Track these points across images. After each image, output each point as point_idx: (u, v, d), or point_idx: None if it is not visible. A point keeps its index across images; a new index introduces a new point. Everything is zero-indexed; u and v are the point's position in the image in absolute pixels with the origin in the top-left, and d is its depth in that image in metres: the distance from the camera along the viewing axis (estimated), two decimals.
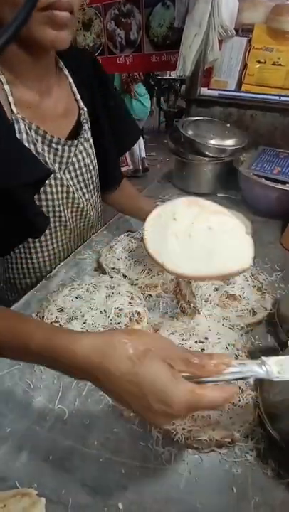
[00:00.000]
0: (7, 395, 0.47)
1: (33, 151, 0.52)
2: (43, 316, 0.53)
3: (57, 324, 0.51)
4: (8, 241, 0.60)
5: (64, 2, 0.40)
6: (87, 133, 0.63)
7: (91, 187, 0.70)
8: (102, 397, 0.47)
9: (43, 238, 0.66)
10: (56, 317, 0.53)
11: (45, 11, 0.39)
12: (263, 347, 0.55)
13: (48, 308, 0.55)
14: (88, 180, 0.68)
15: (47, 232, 0.65)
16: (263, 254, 0.76)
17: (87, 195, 0.70)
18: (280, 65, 0.97)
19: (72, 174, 0.64)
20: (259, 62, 1.00)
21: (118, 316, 0.53)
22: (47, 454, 0.40)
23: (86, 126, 0.63)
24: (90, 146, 0.65)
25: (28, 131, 0.51)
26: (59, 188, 0.61)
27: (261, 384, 0.47)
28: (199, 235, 0.55)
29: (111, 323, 0.52)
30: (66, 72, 0.59)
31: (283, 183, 0.84)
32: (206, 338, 0.50)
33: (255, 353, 0.54)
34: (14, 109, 0.48)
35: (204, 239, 0.54)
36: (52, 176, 0.57)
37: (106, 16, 1.43)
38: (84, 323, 0.51)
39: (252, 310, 0.58)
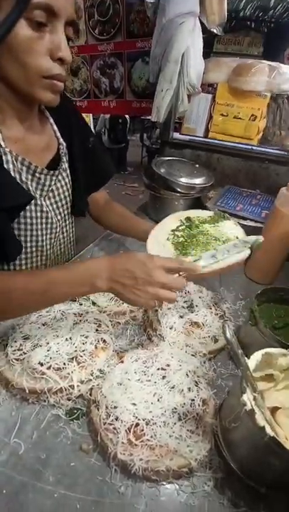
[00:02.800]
0: None
1: (18, 180, 0.60)
2: (7, 344, 0.53)
3: (20, 352, 0.51)
4: None
5: (63, 76, 0.53)
6: (65, 164, 0.71)
7: (66, 212, 0.75)
8: (62, 429, 0.46)
9: (18, 262, 0.68)
10: (20, 344, 0.52)
11: (48, 79, 0.52)
12: (224, 373, 0.58)
13: (13, 336, 0.54)
14: (64, 206, 0.73)
15: (23, 256, 0.68)
16: (228, 283, 0.82)
17: (63, 221, 0.74)
18: (240, 118, 1.11)
19: (52, 200, 0.69)
20: (222, 115, 1.14)
21: (84, 344, 0.54)
22: (0, 487, 0.39)
23: (64, 159, 0.70)
24: (67, 176, 0.72)
25: (15, 162, 0.59)
26: (38, 214, 0.66)
27: (220, 410, 0.48)
28: (198, 239, 0.64)
29: (76, 351, 0.52)
30: (47, 113, 0.69)
31: (244, 218, 0.93)
32: (168, 365, 0.52)
33: (217, 380, 0.56)
34: (3, 144, 0.56)
35: (204, 241, 0.64)
36: (33, 202, 0.63)
37: (92, 65, 1.59)
38: (48, 350, 0.51)
39: (214, 337, 0.61)
